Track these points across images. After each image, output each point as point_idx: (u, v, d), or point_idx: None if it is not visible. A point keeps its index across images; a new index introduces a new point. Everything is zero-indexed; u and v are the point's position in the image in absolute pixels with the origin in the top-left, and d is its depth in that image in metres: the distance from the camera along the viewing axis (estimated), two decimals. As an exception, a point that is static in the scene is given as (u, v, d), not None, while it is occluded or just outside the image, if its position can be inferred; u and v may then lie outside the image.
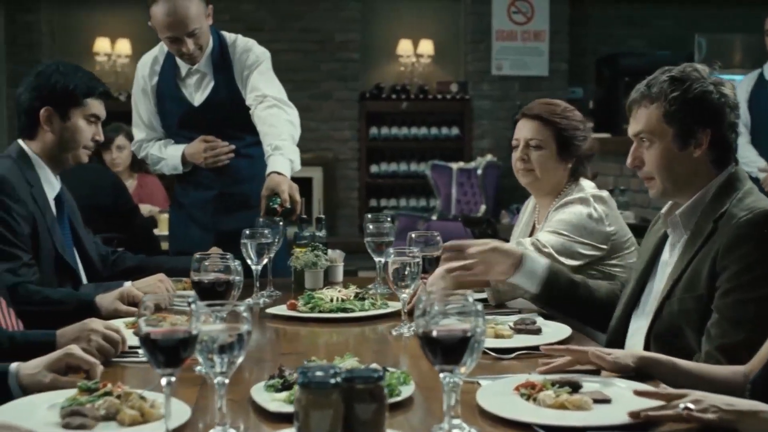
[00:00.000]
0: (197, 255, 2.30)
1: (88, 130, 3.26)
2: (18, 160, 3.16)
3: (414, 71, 10.86)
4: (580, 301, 2.78)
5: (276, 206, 3.41)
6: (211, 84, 3.91)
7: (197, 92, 3.94)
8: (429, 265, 2.77)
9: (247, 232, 3.13)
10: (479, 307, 1.67)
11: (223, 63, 3.90)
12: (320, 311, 2.91)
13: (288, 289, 3.30)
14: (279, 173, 3.55)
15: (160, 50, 3.99)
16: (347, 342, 2.67)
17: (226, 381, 1.67)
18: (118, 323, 2.46)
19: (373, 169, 10.88)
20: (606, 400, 1.88)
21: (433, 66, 10.92)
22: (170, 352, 1.59)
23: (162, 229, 5.25)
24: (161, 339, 1.59)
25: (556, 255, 2.99)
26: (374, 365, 2.04)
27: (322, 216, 3.58)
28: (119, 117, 6.44)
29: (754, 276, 2.24)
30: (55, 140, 3.20)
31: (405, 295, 2.61)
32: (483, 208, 9.50)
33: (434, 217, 9.25)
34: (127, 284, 3.04)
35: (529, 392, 1.91)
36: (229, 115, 3.93)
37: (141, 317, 1.62)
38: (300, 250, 3.41)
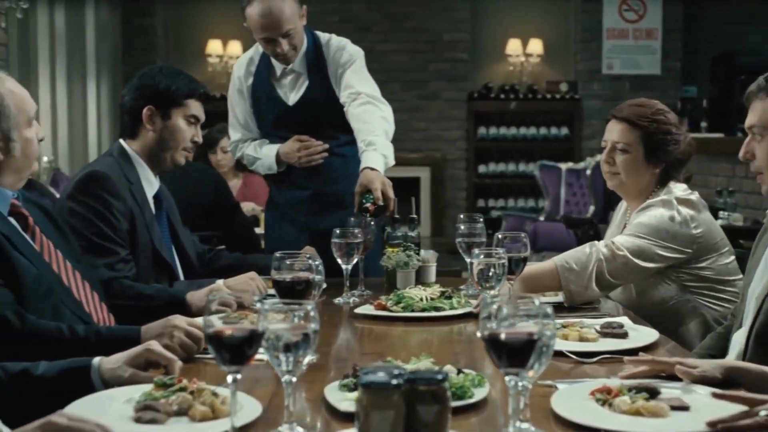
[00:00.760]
0: (277, 254, 2.32)
1: (187, 130, 3.33)
2: (119, 159, 3.25)
3: (523, 71, 10.78)
4: None
5: (368, 204, 3.41)
6: (306, 83, 3.94)
7: (292, 92, 3.97)
8: (515, 266, 2.74)
9: (338, 231, 3.15)
10: (548, 310, 1.64)
11: (317, 62, 3.92)
12: (412, 310, 2.91)
13: (380, 289, 3.30)
14: (372, 169, 3.55)
15: (255, 51, 4.03)
16: (431, 342, 2.65)
17: (294, 379, 1.68)
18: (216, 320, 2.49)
19: (481, 169, 10.84)
20: (684, 408, 1.83)
21: (543, 65, 10.82)
22: (235, 350, 1.61)
23: (264, 228, 5.31)
24: (226, 336, 1.60)
25: (631, 257, 2.94)
26: (448, 366, 2.04)
27: (415, 216, 3.57)
28: (225, 118, 6.57)
29: None
30: (155, 139, 3.27)
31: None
32: (591, 209, 9.34)
33: (542, 218, 9.15)
34: (219, 282, 3.09)
35: (605, 397, 1.87)
36: (323, 114, 3.95)
37: (209, 315, 1.64)
38: (392, 249, 3.40)
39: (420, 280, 3.47)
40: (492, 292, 2.57)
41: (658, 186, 3.15)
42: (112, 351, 2.13)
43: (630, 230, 3.02)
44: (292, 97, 3.97)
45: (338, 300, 3.13)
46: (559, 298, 3.12)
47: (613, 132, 3.17)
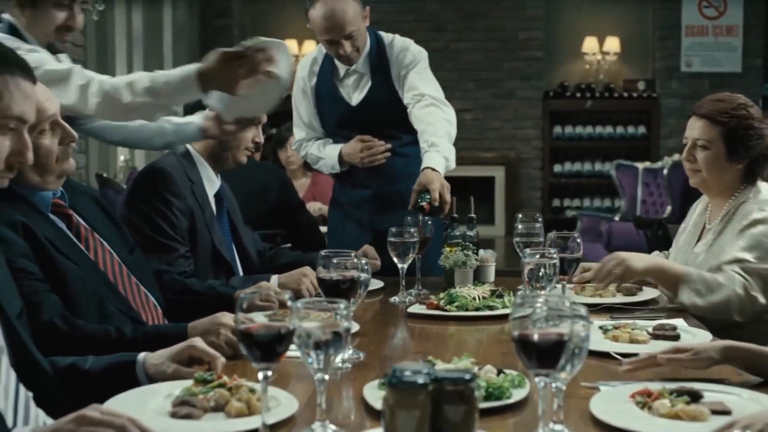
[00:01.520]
0: (323, 252, 2.33)
1: (249, 131, 3.37)
2: (181, 158, 3.31)
3: (600, 69, 10.66)
4: None
5: (424, 203, 3.41)
6: (369, 84, 3.95)
7: (355, 92, 3.98)
8: (568, 266, 2.71)
9: (394, 230, 3.16)
10: (582, 311, 1.62)
11: (380, 63, 3.93)
12: (466, 309, 2.91)
13: (437, 288, 3.29)
14: (433, 169, 3.54)
15: (319, 51, 4.05)
16: (480, 341, 2.64)
17: (326, 377, 1.68)
18: (258, 317, 2.51)
19: (557, 168, 10.75)
20: (726, 412, 1.79)
21: (620, 63, 10.69)
22: (265, 347, 1.62)
23: (327, 227, 5.32)
24: (257, 334, 1.62)
25: (763, 301, 2.89)
26: (488, 366, 2.02)
27: (473, 215, 3.56)
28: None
29: None
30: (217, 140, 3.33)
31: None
32: (668, 209, 9.18)
33: (617, 218, 9.03)
34: (274, 278, 3.12)
35: (645, 400, 1.84)
36: (386, 114, 3.95)
37: (240, 312, 1.66)
38: (450, 249, 3.40)
39: (479, 279, 3.45)
40: (542, 293, 2.54)
41: (744, 184, 3.08)
42: (159, 348, 2.16)
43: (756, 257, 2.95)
44: (355, 98, 3.98)
45: (394, 299, 3.14)
46: (617, 299, 3.09)
47: (694, 129, 3.11)
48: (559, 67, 10.79)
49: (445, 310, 2.91)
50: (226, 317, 2.33)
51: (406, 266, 3.18)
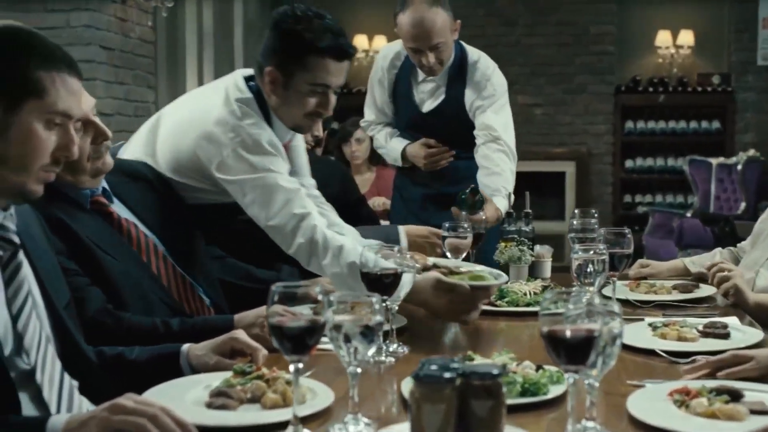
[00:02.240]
0: (366, 247, 2.34)
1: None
2: None
3: (673, 63, 10.49)
4: None
5: (465, 196, 3.41)
6: (443, 96, 3.94)
7: (428, 100, 3.98)
8: (618, 262, 2.69)
9: (447, 225, 3.16)
10: (615, 308, 1.61)
11: (459, 78, 3.90)
12: (517, 305, 2.90)
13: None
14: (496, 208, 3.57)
15: (402, 46, 4.01)
16: (529, 337, 2.62)
17: (358, 371, 1.69)
18: (304, 309, 2.53)
19: (628, 164, 10.61)
20: (766, 412, 1.76)
21: (694, 57, 10.50)
22: (296, 340, 1.63)
23: (390, 222, 5.33)
24: (287, 326, 1.63)
25: None
26: (526, 362, 2.01)
27: (530, 211, 3.54)
28: (361, 112, 6.65)
29: None
30: None
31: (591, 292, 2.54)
32: (743, 205, 9.02)
33: (689, 215, 8.89)
34: (401, 229, 3.23)
35: (683, 399, 1.81)
36: (453, 127, 3.95)
37: (273, 305, 1.68)
38: (505, 244, 3.39)
39: (534, 275, 3.44)
40: (590, 289, 2.52)
41: None
42: (206, 339, 2.19)
43: None
44: (427, 105, 3.98)
45: None
46: (672, 296, 3.06)
47: None
48: (631, 61, 10.64)
49: (496, 306, 2.90)
50: (278, 309, 2.34)
51: (459, 260, 3.18)
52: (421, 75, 3.96)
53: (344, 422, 1.70)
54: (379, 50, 10.51)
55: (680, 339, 2.38)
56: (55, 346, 1.95)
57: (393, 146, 4.04)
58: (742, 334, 2.45)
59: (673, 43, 10.44)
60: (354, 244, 2.75)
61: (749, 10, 10.11)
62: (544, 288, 2.99)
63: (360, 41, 10.71)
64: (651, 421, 1.71)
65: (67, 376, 1.92)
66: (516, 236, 3.41)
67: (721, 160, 9.51)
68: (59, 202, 2.42)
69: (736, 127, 10.31)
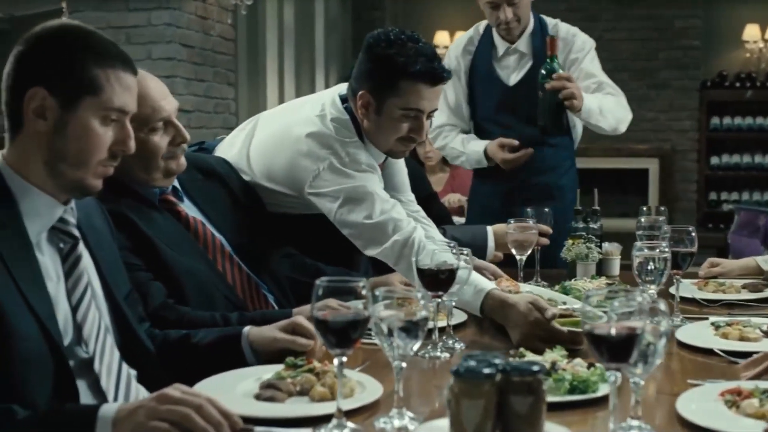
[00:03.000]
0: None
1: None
2: None
3: (761, 57, 10.25)
4: None
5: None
6: (530, 63, 3.92)
7: (513, 72, 3.96)
8: (682, 261, 2.65)
9: (512, 221, 3.16)
10: (662, 306, 1.59)
11: (543, 43, 3.86)
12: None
13: (556, 280, 3.26)
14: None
15: (475, 31, 4.05)
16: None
17: (403, 365, 1.70)
18: (358, 304, 2.54)
19: (714, 161, 10.40)
20: (819, 415, 1.72)
21: (783, 52, 10.26)
22: (340, 334, 1.65)
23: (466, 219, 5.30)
24: (331, 320, 1.65)
25: None
26: (577, 360, 2.00)
27: (597, 208, 3.51)
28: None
29: None
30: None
31: (652, 290, 2.51)
32: (834, 203, 8.80)
33: (775, 213, 8.68)
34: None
35: (734, 399, 1.78)
36: None
37: (318, 300, 1.70)
38: (572, 241, 3.36)
39: (602, 272, 3.41)
40: (653, 287, 2.49)
41: None
42: None
43: None
44: (513, 78, 3.96)
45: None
46: (740, 296, 3.00)
47: None
48: (717, 56, 10.42)
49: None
50: (332, 302, 2.37)
51: (524, 258, 3.17)
52: (502, 50, 3.94)
53: (389, 416, 1.71)
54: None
55: (742, 339, 2.34)
56: (114, 336, 2.01)
57: (473, 149, 3.96)
58: (807, 335, 2.39)
59: (762, 37, 10.20)
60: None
61: (841, 2, 9.85)
62: (608, 286, 2.96)
63: (441, 37, 10.69)
64: (698, 420, 1.69)
65: (125, 366, 1.98)
66: (584, 233, 3.39)
67: (811, 156, 9.28)
68: (127, 198, 2.48)
69: (828, 122, 10.06)
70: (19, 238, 1.83)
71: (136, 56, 5.72)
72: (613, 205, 8.45)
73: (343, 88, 2.99)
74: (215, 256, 2.65)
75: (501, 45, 3.94)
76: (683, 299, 2.91)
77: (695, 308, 2.88)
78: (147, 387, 2.01)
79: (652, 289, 2.49)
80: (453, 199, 5.86)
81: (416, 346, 1.70)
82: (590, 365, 1.98)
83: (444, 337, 2.36)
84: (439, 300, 2.29)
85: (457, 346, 2.36)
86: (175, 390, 1.62)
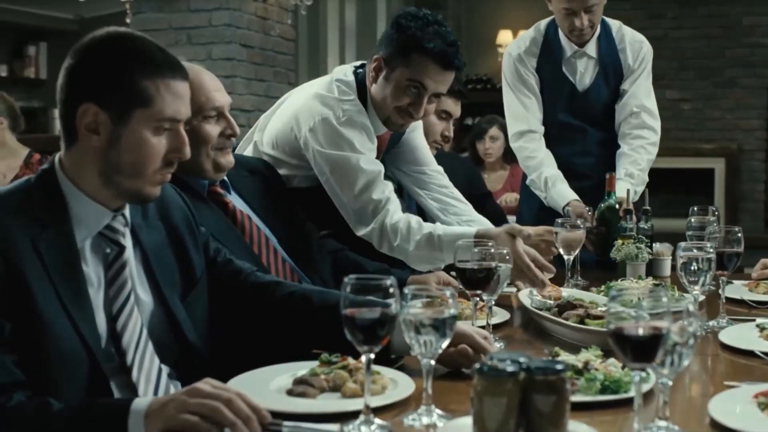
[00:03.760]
0: (461, 242, 2.34)
1: (438, 125, 3.43)
2: None
3: (831, 55, 10.05)
4: None
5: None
6: (597, 68, 3.90)
7: (581, 76, 3.92)
8: (728, 261, 2.61)
9: (559, 221, 3.15)
10: (690, 308, 1.58)
11: (609, 47, 3.86)
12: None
13: (597, 280, 3.22)
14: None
15: (537, 32, 3.99)
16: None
17: (432, 363, 1.72)
18: (416, 304, 2.55)
19: (783, 160, 10.23)
20: None
21: None
22: (367, 331, 1.66)
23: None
24: (358, 317, 1.66)
25: None
26: (611, 360, 1.99)
27: (648, 208, 3.48)
28: (499, 109, 6.61)
29: None
30: None
31: (696, 291, 2.48)
32: None
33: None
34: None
35: (766, 401, 1.76)
36: (608, 100, 3.91)
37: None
38: (622, 241, 3.34)
39: (653, 273, 3.38)
40: (697, 287, 2.47)
41: None
42: None
43: None
44: (581, 81, 3.92)
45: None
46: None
47: None
48: (787, 53, 10.25)
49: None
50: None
51: (571, 258, 3.16)
52: (569, 51, 3.90)
53: (418, 413, 1.72)
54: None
55: (785, 339, 2.30)
56: (162, 337, 2.03)
57: (556, 194, 3.77)
58: None
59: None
60: (420, 222, 2.97)
61: None
62: (656, 287, 2.92)
63: (504, 36, 10.65)
64: (727, 422, 1.67)
65: (164, 373, 1.99)
66: (634, 233, 3.36)
67: None
68: (178, 187, 2.53)
69: None
70: (65, 242, 1.87)
71: (197, 56, 5.83)
72: (677, 205, 8.36)
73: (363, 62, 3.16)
74: (260, 249, 2.70)
75: (568, 47, 3.89)
76: (733, 301, 2.88)
77: (744, 310, 2.84)
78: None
79: (696, 290, 2.47)
80: (510, 198, 5.86)
81: (445, 344, 1.71)
82: (624, 366, 1.96)
83: (484, 336, 2.36)
84: (478, 299, 2.30)
85: (497, 345, 2.36)
86: (206, 384, 1.65)
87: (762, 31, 10.10)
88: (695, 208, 3.28)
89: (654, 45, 4.01)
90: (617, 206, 3.44)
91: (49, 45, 10.45)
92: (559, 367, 1.51)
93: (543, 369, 1.50)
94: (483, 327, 2.37)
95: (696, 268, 2.45)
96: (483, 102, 9.43)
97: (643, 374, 1.58)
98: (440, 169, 3.40)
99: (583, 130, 3.93)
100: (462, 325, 2.08)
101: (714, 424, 1.71)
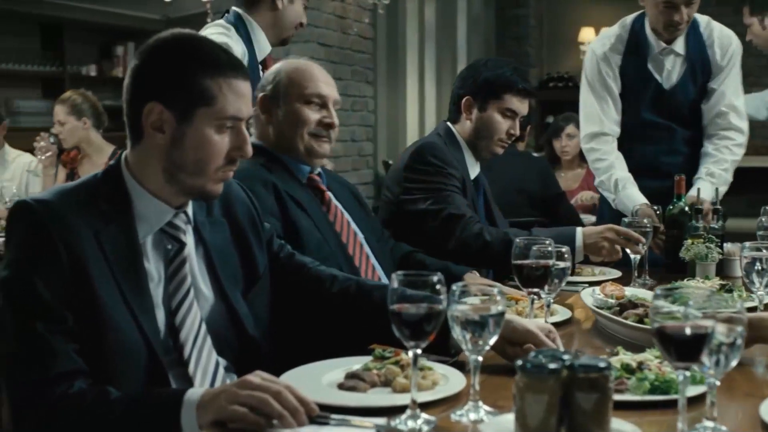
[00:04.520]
0: (519, 239, 2.34)
1: (503, 123, 3.43)
2: (444, 138, 3.47)
3: None
4: None
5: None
6: (686, 65, 3.85)
7: (669, 73, 3.88)
8: (797, 262, 2.57)
9: (626, 220, 3.13)
10: (739, 306, 1.57)
11: (697, 44, 3.82)
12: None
13: (667, 280, 3.19)
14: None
15: (622, 29, 3.94)
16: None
17: (479, 359, 1.73)
18: (474, 300, 2.56)
19: None
20: None
21: None
22: (414, 326, 1.68)
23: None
24: (405, 313, 1.68)
25: None
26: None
27: (720, 207, 3.43)
28: (575, 107, 6.55)
29: None
30: (471, 128, 3.44)
31: (761, 292, 2.45)
32: None
33: None
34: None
35: (821, 404, 1.73)
36: (696, 98, 3.87)
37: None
38: (692, 241, 3.30)
39: (724, 273, 3.33)
40: (760, 290, 2.44)
41: None
42: None
43: None
44: (668, 79, 3.88)
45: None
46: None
47: None
48: None
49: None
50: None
51: (638, 257, 3.14)
52: (657, 48, 3.85)
53: (465, 409, 1.74)
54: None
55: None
56: (223, 332, 2.09)
57: (625, 196, 3.76)
58: None
59: None
60: None
61: None
62: (722, 287, 2.89)
63: (587, 34, 10.56)
64: (770, 420, 1.66)
65: (221, 367, 2.05)
66: (704, 233, 3.31)
67: None
68: (278, 169, 2.73)
69: None
70: (127, 237, 1.93)
71: (275, 55, 5.88)
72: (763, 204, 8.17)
73: None
74: (348, 239, 2.81)
75: (656, 44, 3.84)
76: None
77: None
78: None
79: (761, 291, 2.44)
80: (585, 196, 5.81)
81: (492, 341, 1.72)
82: (679, 365, 1.95)
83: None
84: (535, 297, 2.31)
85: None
86: (256, 377, 1.70)
87: None
88: (767, 207, 3.22)
89: (742, 41, 3.94)
90: (686, 209, 3.40)
91: (137, 45, 10.64)
92: (601, 365, 1.51)
93: (585, 367, 1.50)
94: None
95: (760, 268, 2.42)
96: (563, 100, 9.37)
97: (688, 374, 1.56)
98: None
99: (669, 128, 3.88)
100: (526, 322, 2.09)
101: (765, 426, 1.69)
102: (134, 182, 1.98)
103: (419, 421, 1.67)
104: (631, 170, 3.84)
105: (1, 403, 2.59)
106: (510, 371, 2.08)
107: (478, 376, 1.75)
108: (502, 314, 1.71)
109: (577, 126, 6.07)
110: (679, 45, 3.80)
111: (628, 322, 2.39)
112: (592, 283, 3.21)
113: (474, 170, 3.52)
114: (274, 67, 2.83)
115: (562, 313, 2.65)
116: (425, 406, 1.76)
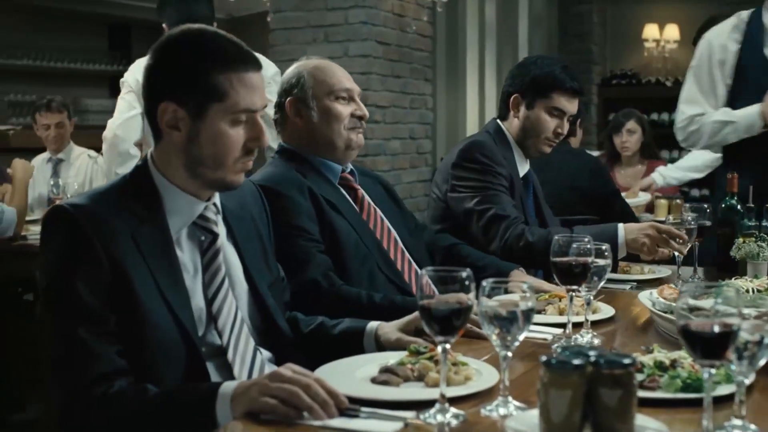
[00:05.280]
0: (558, 236, 2.34)
1: (550, 122, 3.43)
2: (494, 135, 3.48)
3: None
4: None
5: None
6: None
7: None
8: (843, 262, 2.54)
9: (671, 218, 3.11)
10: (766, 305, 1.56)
11: None
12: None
13: (718, 279, 3.15)
14: None
15: (738, 19, 3.95)
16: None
17: (509, 354, 1.74)
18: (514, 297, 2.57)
19: None
20: None
21: None
22: (443, 321, 1.70)
23: (658, 215, 5.18)
24: (434, 308, 1.70)
25: None
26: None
27: (773, 205, 3.38)
28: (633, 103, 6.51)
29: None
30: (519, 126, 3.45)
31: (803, 291, 2.43)
32: None
33: None
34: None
35: None
36: None
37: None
38: (743, 239, 3.26)
39: (775, 273, 3.29)
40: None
41: None
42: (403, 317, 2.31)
43: None
44: None
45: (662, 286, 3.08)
46: None
47: None
48: None
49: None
50: (461, 297, 2.41)
51: (681, 257, 3.12)
52: None
53: (495, 404, 1.76)
54: (669, 39, 10.21)
55: None
56: (254, 321, 2.14)
57: (744, 113, 3.81)
58: None
59: None
60: None
61: None
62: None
63: (650, 30, 10.45)
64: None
65: (259, 354, 2.10)
66: (756, 231, 3.27)
67: None
68: (310, 172, 2.77)
69: None
70: (161, 233, 1.98)
71: (334, 54, 5.95)
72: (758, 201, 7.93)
73: None
74: (382, 236, 2.84)
75: None
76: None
77: None
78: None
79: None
80: (644, 196, 5.76)
81: (522, 337, 1.74)
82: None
83: (582, 332, 2.36)
84: (574, 293, 2.31)
85: (595, 341, 2.35)
86: (287, 369, 1.73)
87: None
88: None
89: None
90: (738, 207, 3.36)
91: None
92: (626, 361, 1.51)
93: (609, 362, 1.51)
94: (581, 323, 2.38)
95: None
96: (626, 97, 9.29)
97: (714, 371, 1.56)
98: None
99: None
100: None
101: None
102: (162, 179, 2.02)
103: (448, 415, 1.69)
104: (751, 158, 3.85)
105: (46, 406, 2.67)
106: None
107: (508, 371, 1.76)
108: (531, 310, 1.72)
109: (638, 122, 6.07)
110: None
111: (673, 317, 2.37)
112: (640, 282, 3.20)
113: (523, 168, 3.52)
114: (293, 70, 2.86)
115: (605, 311, 2.65)
116: (457, 401, 1.78)
